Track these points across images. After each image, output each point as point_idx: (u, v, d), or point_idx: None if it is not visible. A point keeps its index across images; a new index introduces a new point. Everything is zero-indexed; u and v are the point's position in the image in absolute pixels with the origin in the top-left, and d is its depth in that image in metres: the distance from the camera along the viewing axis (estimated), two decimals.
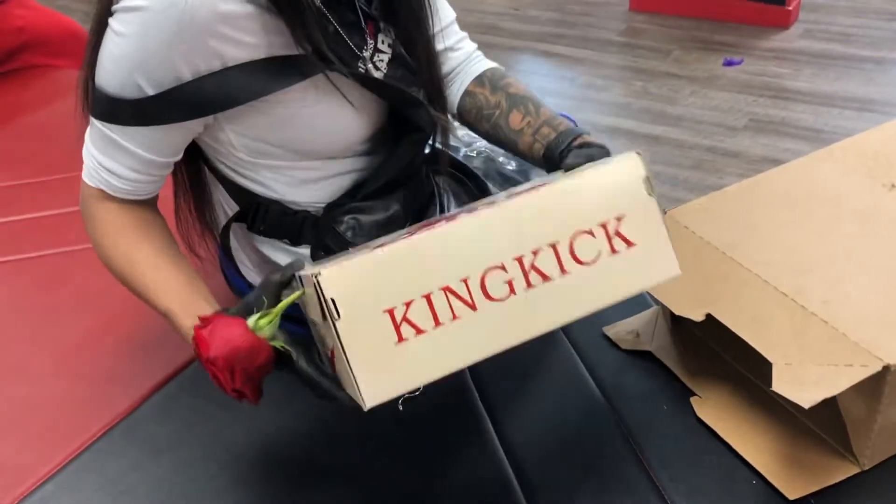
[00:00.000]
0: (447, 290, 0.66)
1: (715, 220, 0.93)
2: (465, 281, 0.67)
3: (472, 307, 0.67)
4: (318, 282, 0.64)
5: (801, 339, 0.77)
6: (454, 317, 0.66)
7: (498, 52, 3.00)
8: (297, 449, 0.94)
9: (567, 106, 2.69)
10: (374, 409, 0.65)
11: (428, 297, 0.66)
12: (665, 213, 0.94)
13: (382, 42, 0.87)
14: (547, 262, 0.68)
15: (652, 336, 0.96)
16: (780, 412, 0.85)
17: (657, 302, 0.98)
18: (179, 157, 0.85)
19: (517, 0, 3.49)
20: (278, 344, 0.72)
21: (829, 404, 0.72)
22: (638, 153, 0.71)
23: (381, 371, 0.65)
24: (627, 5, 3.27)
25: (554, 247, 0.68)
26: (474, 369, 0.98)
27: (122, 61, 0.76)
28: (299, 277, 0.71)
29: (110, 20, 0.76)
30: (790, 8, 3.02)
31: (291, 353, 0.72)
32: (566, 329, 1.02)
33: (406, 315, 0.65)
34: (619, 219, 0.70)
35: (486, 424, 0.91)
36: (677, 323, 0.93)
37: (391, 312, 0.65)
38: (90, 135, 0.83)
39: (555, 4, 3.44)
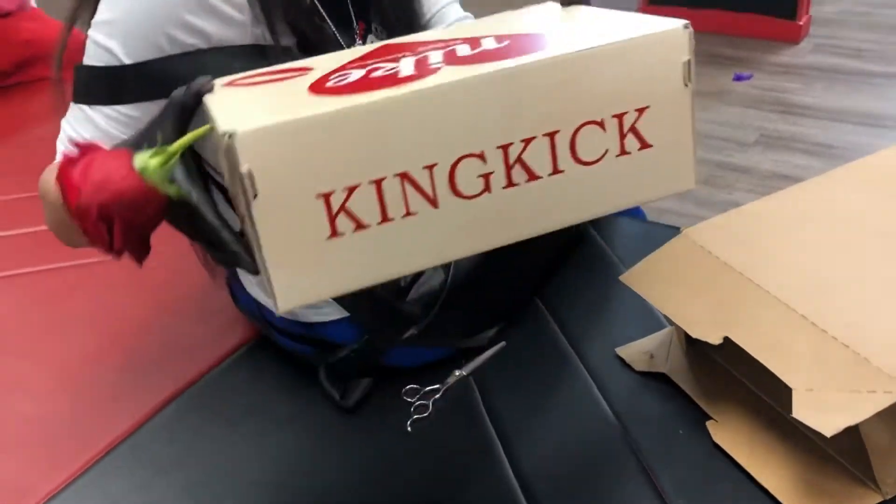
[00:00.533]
0: (405, 177, 0.52)
1: (732, 240, 0.91)
2: (430, 168, 0.52)
3: (433, 203, 0.53)
4: (230, 144, 0.48)
5: (822, 363, 0.75)
6: (407, 212, 0.53)
7: None
8: (303, 470, 0.92)
9: None
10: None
11: (378, 184, 0.51)
12: (679, 230, 0.92)
13: (372, 44, 0.86)
14: (538, 156, 0.54)
15: (667, 357, 0.94)
16: (799, 438, 0.83)
17: (672, 323, 0.96)
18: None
19: None
20: (173, 191, 0.55)
21: (851, 430, 0.70)
22: (686, 26, 0.56)
23: (303, 270, 0.52)
24: None
25: (552, 137, 0.54)
26: (485, 389, 0.97)
27: (101, 25, 0.75)
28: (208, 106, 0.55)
29: None
30: (801, 23, 3.01)
31: (191, 199, 0.55)
32: (578, 350, 1.00)
33: (346, 204, 0.51)
34: (640, 111, 0.56)
35: (496, 446, 0.89)
36: (692, 344, 0.91)
37: (327, 198, 0.51)
38: (64, 121, 0.81)
39: None
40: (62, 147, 0.81)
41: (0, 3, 1.77)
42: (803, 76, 2.84)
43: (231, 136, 0.48)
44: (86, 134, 0.78)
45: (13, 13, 1.80)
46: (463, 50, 0.58)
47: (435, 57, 0.57)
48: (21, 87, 1.82)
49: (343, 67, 0.59)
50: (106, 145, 0.76)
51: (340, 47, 0.81)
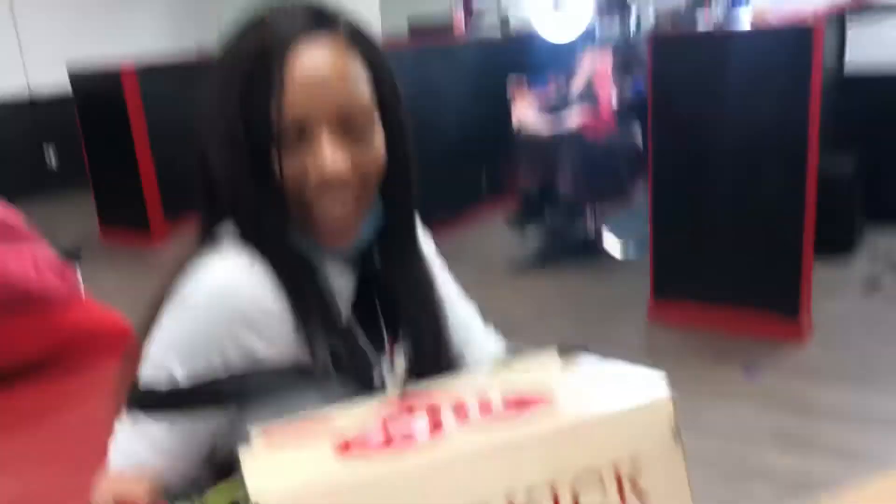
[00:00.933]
0: None
1: None
2: None
3: None
4: None
5: None
6: None
7: None
8: None
9: None
10: None
11: None
12: None
13: (399, 357, 0.92)
14: None
15: None
16: None
17: None
18: (200, 454, 0.85)
19: (541, 308, 3.65)
20: None
21: None
22: (671, 398, 0.65)
23: None
24: (645, 317, 3.40)
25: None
26: None
27: (161, 343, 0.82)
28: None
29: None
30: (803, 323, 3.09)
31: None
32: None
33: None
34: (634, 477, 0.62)
35: None
36: None
37: None
38: (119, 427, 0.84)
39: (574, 317, 3.57)
40: (115, 456, 0.84)
41: (51, 295, 1.79)
42: (811, 375, 2.87)
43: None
44: (138, 444, 0.83)
45: (61, 300, 1.82)
46: (473, 414, 0.65)
47: (448, 420, 0.64)
48: (63, 370, 1.80)
49: (365, 425, 0.66)
50: (157, 456, 0.81)
51: (372, 363, 0.88)
